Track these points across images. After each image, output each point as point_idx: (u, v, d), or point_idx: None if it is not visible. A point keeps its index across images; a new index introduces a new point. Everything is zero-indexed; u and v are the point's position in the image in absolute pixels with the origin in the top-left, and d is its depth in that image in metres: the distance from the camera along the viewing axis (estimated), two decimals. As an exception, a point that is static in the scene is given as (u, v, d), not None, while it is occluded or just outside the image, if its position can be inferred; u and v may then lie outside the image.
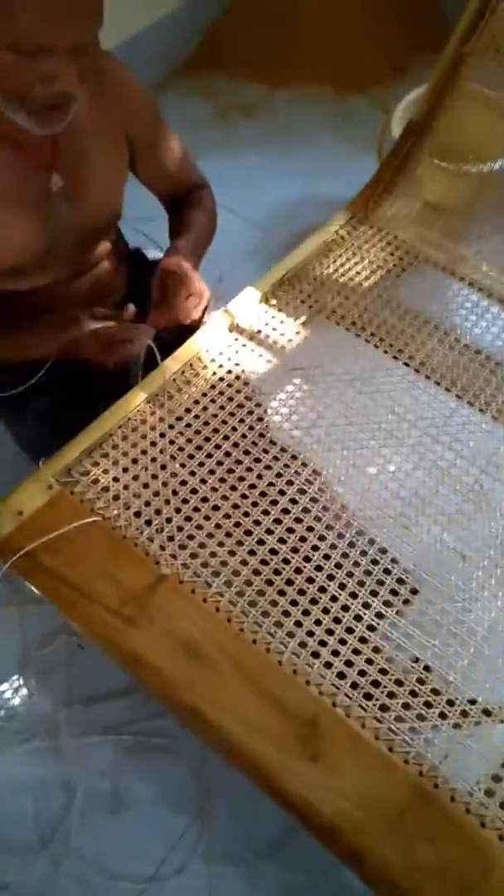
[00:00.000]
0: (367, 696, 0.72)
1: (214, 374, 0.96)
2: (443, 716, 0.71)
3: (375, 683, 0.73)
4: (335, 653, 0.75)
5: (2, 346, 1.01)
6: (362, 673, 0.74)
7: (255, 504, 0.84)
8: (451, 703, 0.71)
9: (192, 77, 2.28)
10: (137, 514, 0.83)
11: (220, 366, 0.97)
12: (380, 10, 2.23)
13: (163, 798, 1.10)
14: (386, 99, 2.18)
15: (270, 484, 0.86)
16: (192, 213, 1.10)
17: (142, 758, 1.12)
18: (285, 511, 0.84)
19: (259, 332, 1.02)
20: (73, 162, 0.91)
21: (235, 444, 0.89)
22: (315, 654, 0.75)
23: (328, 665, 0.74)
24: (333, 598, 0.78)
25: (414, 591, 0.80)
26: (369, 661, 0.74)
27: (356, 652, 0.75)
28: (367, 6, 2.22)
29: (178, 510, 0.83)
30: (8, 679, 1.19)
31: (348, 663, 0.74)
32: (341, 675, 0.74)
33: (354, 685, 0.73)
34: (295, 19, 2.20)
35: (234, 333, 1.01)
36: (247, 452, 0.89)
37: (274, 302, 1.05)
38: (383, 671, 0.74)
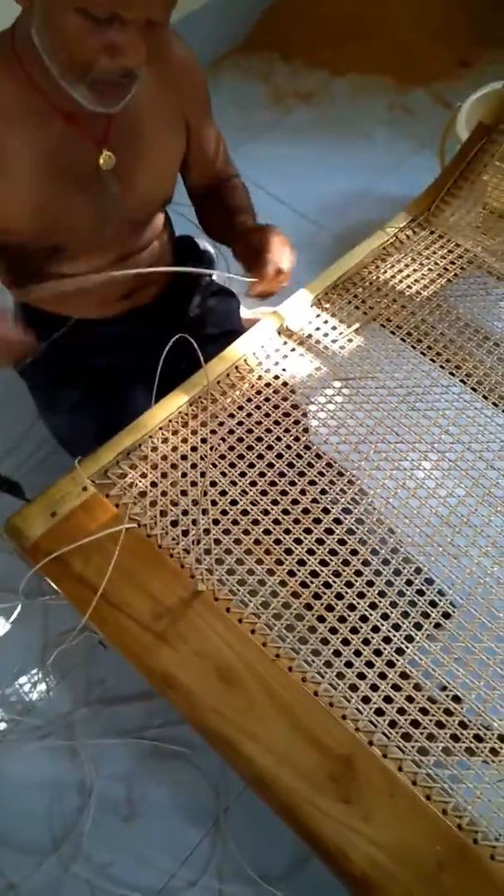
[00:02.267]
0: (406, 737, 0.68)
1: (260, 378, 0.92)
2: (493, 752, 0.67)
3: (415, 724, 0.69)
4: (374, 687, 0.71)
5: None
6: (401, 711, 0.70)
7: (297, 521, 0.80)
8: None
9: (248, 58, 2.22)
10: (174, 524, 0.79)
11: (267, 370, 0.93)
12: (447, 2, 2.15)
13: (178, 809, 1.07)
14: (448, 94, 2.10)
15: (314, 501, 0.82)
16: (235, 195, 1.07)
17: (159, 765, 1.10)
18: (329, 531, 0.80)
19: (309, 336, 0.97)
20: (127, 141, 0.87)
21: (279, 456, 0.85)
22: (353, 687, 0.71)
23: (366, 700, 0.70)
24: (375, 629, 0.74)
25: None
26: (409, 699, 0.70)
27: (396, 688, 0.71)
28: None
29: (216, 522, 0.80)
30: (28, 672, 1.17)
31: (387, 699, 0.70)
32: (379, 712, 0.70)
33: (393, 724, 0.69)
34: (359, 6, 2.13)
35: (283, 337, 0.97)
36: (291, 465, 0.85)
37: (327, 306, 1.01)
38: (424, 710, 0.70)
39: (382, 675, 0.71)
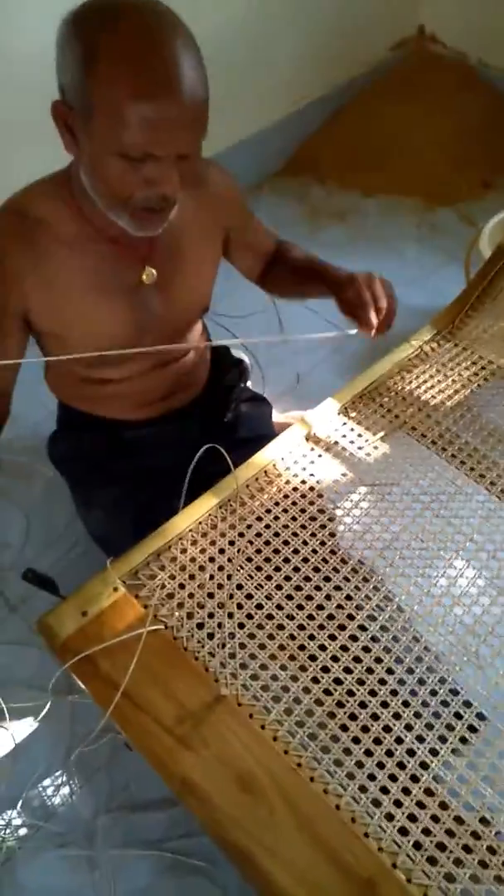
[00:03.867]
0: (432, 861, 0.66)
1: (288, 483, 0.95)
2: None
3: (441, 846, 0.67)
4: (398, 803, 0.69)
5: None
6: (427, 832, 0.68)
7: (321, 627, 0.81)
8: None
9: (286, 181, 2.40)
10: (200, 626, 0.81)
11: (295, 475, 0.96)
12: (470, 129, 2.31)
13: (196, 931, 1.03)
14: (473, 213, 2.22)
15: (339, 606, 0.83)
16: (295, 253, 1.17)
17: (178, 881, 1.05)
18: (353, 638, 0.80)
19: (336, 443, 1.01)
20: (167, 256, 0.96)
21: (305, 560, 0.87)
22: (376, 802, 0.69)
23: (389, 817, 0.68)
24: (398, 740, 0.73)
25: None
26: (435, 819, 0.68)
27: (420, 805, 0.69)
28: (458, 126, 2.31)
29: (241, 625, 0.81)
30: (51, 774, 1.15)
31: (411, 818, 0.68)
32: (403, 831, 0.68)
33: (418, 845, 0.67)
34: (387, 138, 2.31)
35: (311, 443, 1.01)
36: (316, 570, 0.86)
37: (353, 414, 1.05)
38: (450, 832, 0.68)
39: (406, 791, 0.70)
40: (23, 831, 1.11)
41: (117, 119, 0.72)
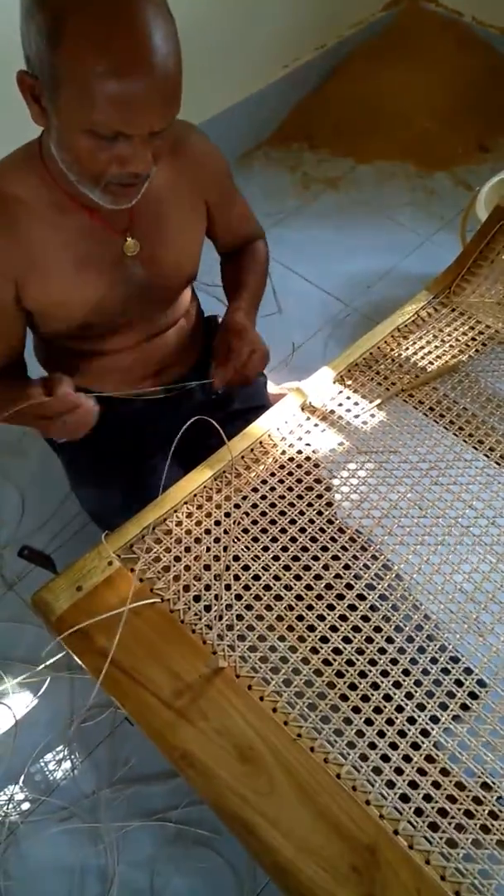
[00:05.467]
0: (433, 827, 0.66)
1: (284, 453, 0.94)
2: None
3: (443, 812, 0.67)
4: (398, 770, 0.69)
5: None
6: (428, 798, 0.67)
7: (319, 597, 0.80)
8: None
9: (277, 149, 2.35)
10: (197, 599, 0.80)
11: (291, 445, 0.95)
12: (466, 91, 2.26)
13: (201, 899, 1.03)
14: (469, 177, 2.18)
15: (337, 576, 0.82)
16: (247, 266, 1.13)
17: (183, 851, 1.06)
18: (352, 607, 0.79)
19: (332, 412, 0.99)
20: (149, 226, 0.93)
21: (302, 530, 0.86)
22: (377, 770, 0.69)
23: (390, 784, 0.68)
24: (399, 709, 0.73)
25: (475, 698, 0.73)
26: (436, 785, 0.68)
27: (422, 772, 0.69)
28: (454, 88, 2.25)
29: (238, 597, 0.80)
30: (53, 749, 1.16)
31: (413, 784, 0.68)
32: (405, 798, 0.67)
33: (419, 811, 0.67)
34: (380, 101, 2.25)
35: (306, 413, 0.99)
36: (314, 539, 0.85)
37: (349, 382, 1.03)
38: (451, 798, 0.67)
39: (407, 758, 0.69)
40: (25, 806, 1.11)
41: (85, 96, 0.68)
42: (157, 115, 0.72)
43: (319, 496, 0.89)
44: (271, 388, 1.38)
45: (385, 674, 0.75)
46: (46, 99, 0.72)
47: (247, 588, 0.81)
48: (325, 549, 0.84)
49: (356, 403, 1.00)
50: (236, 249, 1.16)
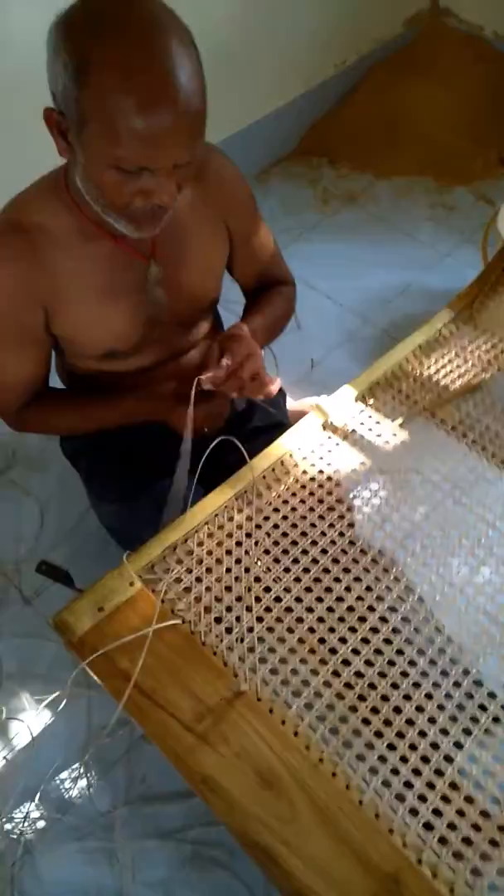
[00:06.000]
0: (458, 856, 0.65)
1: (305, 473, 0.94)
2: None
3: (467, 841, 0.65)
4: (422, 798, 0.68)
5: (67, 422, 1.06)
6: (452, 826, 0.66)
7: (341, 619, 0.79)
8: None
9: (297, 164, 2.35)
10: (218, 620, 0.79)
11: (312, 465, 0.95)
12: (487, 106, 2.26)
13: (216, 925, 1.02)
14: (489, 192, 2.18)
15: (359, 598, 0.81)
16: (270, 299, 1.11)
17: (198, 872, 1.05)
18: (374, 630, 0.79)
19: (353, 431, 0.99)
20: (171, 251, 0.93)
21: (324, 551, 0.85)
22: (399, 797, 0.68)
23: (413, 812, 0.67)
24: (422, 734, 0.72)
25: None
26: (460, 813, 0.67)
27: (445, 799, 0.68)
28: (474, 103, 2.25)
29: (259, 619, 0.79)
30: (69, 767, 1.15)
31: (436, 812, 0.67)
32: (428, 826, 0.66)
33: (443, 840, 0.66)
34: (400, 116, 2.26)
35: (328, 432, 0.99)
36: (335, 561, 0.85)
37: (371, 401, 1.02)
38: (476, 827, 0.66)
39: (431, 785, 0.69)
40: (41, 824, 1.11)
41: (110, 133, 0.69)
42: (181, 148, 0.72)
43: (341, 517, 0.89)
44: (290, 404, 1.38)
45: (408, 697, 0.74)
46: (73, 134, 0.73)
47: (268, 610, 0.80)
48: (346, 570, 0.84)
49: (378, 422, 1.00)
50: (257, 290, 1.13)
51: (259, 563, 0.84)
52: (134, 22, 0.68)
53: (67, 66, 0.69)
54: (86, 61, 0.67)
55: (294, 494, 0.91)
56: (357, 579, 0.83)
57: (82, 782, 1.14)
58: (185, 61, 0.69)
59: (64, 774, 1.15)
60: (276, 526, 0.88)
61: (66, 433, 1.17)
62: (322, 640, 0.78)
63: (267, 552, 0.85)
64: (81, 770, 1.15)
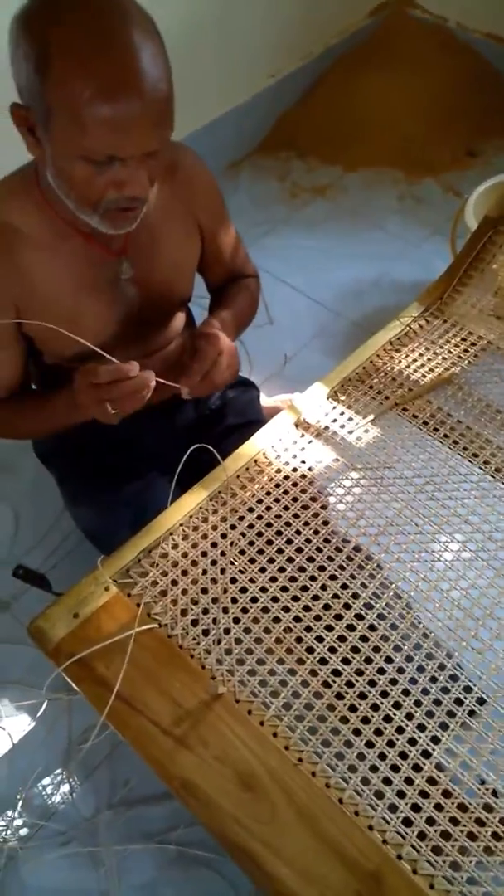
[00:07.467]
0: (437, 851, 0.65)
1: (279, 471, 0.94)
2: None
3: (446, 835, 0.66)
4: (401, 794, 0.68)
5: (26, 423, 1.02)
6: (431, 821, 0.67)
7: (318, 618, 0.80)
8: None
9: (265, 158, 2.34)
10: (195, 623, 0.79)
11: (286, 463, 0.94)
12: (453, 97, 2.27)
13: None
14: (458, 183, 2.19)
15: (335, 596, 0.81)
16: (235, 292, 1.11)
17: (184, 873, 1.05)
18: (350, 627, 0.79)
19: (326, 428, 0.99)
20: (143, 249, 0.93)
21: (299, 549, 0.85)
22: (379, 794, 0.69)
23: (393, 808, 0.68)
24: (399, 730, 0.72)
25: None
26: (439, 808, 0.68)
27: (424, 794, 0.68)
28: (441, 94, 2.26)
29: (236, 620, 0.79)
30: (51, 773, 1.14)
31: (415, 808, 0.68)
32: (407, 822, 0.67)
33: (422, 835, 0.66)
34: (367, 108, 2.25)
35: (301, 430, 0.99)
36: (311, 559, 0.85)
37: (343, 398, 1.03)
38: (454, 820, 0.67)
39: (409, 781, 0.69)
40: (24, 831, 1.10)
41: (76, 122, 0.68)
42: (148, 136, 0.71)
43: (315, 515, 0.89)
44: (264, 400, 1.38)
45: (385, 694, 0.74)
46: (41, 129, 0.72)
47: (245, 611, 0.80)
48: (322, 568, 0.84)
49: (350, 419, 1.00)
50: (223, 285, 1.13)
51: (234, 563, 0.84)
52: (93, 7, 0.67)
53: (29, 56, 0.68)
54: (46, 50, 0.66)
55: (268, 493, 0.91)
56: (333, 577, 0.83)
57: (65, 787, 1.13)
58: (148, 45, 0.68)
59: (46, 780, 1.15)
60: (251, 526, 0.88)
61: (28, 436, 1.14)
62: (299, 640, 0.78)
63: (242, 552, 0.85)
64: (64, 775, 1.14)
